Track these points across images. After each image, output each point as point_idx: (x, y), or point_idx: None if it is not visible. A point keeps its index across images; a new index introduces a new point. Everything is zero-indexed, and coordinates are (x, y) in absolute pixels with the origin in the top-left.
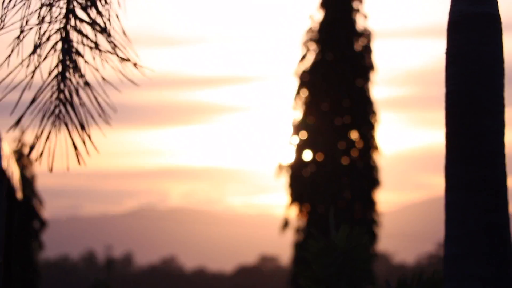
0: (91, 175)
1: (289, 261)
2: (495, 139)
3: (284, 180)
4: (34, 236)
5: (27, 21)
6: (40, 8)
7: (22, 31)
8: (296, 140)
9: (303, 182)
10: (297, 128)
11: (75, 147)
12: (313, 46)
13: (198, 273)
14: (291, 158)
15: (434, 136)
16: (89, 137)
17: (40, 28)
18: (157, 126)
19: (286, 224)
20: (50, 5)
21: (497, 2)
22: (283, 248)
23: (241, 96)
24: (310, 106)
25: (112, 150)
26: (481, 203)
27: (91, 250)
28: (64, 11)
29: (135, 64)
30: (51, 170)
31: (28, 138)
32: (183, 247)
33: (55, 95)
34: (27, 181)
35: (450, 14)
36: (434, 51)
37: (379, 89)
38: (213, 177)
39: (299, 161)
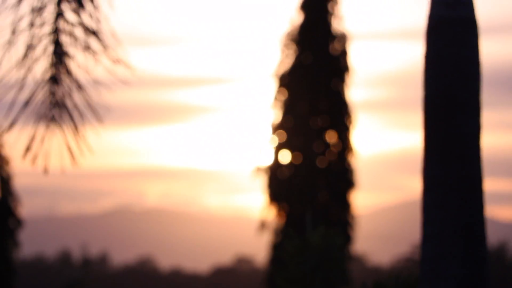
0: (68, 174)
1: (264, 262)
2: (472, 141)
3: (261, 181)
4: (10, 235)
5: (18, 25)
6: (31, 12)
7: (13, 35)
8: (274, 141)
9: (280, 184)
10: (275, 130)
11: (70, 149)
12: (291, 48)
13: (174, 273)
14: (269, 159)
15: (410, 138)
16: (83, 138)
17: (31, 31)
18: (134, 125)
19: (263, 225)
20: (40, 9)
21: (474, 6)
22: (258, 249)
23: (219, 97)
24: (288, 108)
25: (84, 155)
26: (457, 204)
27: (67, 250)
28: (53, 14)
29: (126, 65)
30: (46, 171)
31: (23, 139)
32: (159, 247)
33: (47, 98)
34: (4, 180)
35: (428, 18)
36: (411, 54)
37: (356, 91)
38: (190, 177)
39: (276, 162)
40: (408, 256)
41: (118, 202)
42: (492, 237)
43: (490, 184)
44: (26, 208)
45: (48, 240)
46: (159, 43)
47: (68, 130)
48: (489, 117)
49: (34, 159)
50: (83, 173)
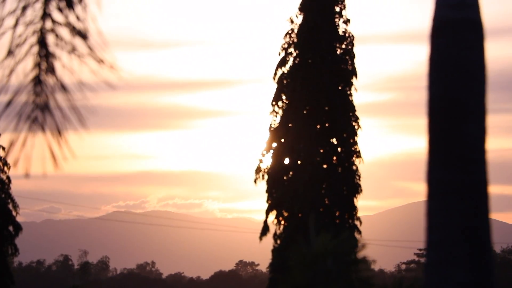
0: (68, 178)
1: (267, 266)
2: (477, 145)
3: (263, 185)
4: (8, 241)
5: (2, 24)
6: (15, 11)
7: None
8: (275, 144)
9: (282, 188)
10: (277, 133)
11: (52, 152)
12: (292, 50)
13: (175, 277)
14: (270, 163)
15: (414, 142)
16: (66, 142)
17: (15, 30)
18: (135, 130)
19: (265, 229)
20: (25, 8)
21: (480, 8)
22: (262, 253)
23: (223, 101)
24: (290, 111)
25: (89, 153)
26: (462, 208)
27: (66, 254)
28: (40, 13)
29: (111, 67)
30: (27, 175)
31: (3, 141)
32: (161, 251)
33: (31, 99)
34: (2, 185)
35: (433, 20)
36: (416, 57)
37: (360, 94)
38: (192, 181)
39: (278, 166)
40: (411, 259)
41: (119, 206)
42: (502, 239)
43: (498, 189)
44: (25, 213)
45: (48, 245)
46: (163, 46)
47: (51, 133)
48: (494, 121)
49: (15, 163)
50: (83, 177)
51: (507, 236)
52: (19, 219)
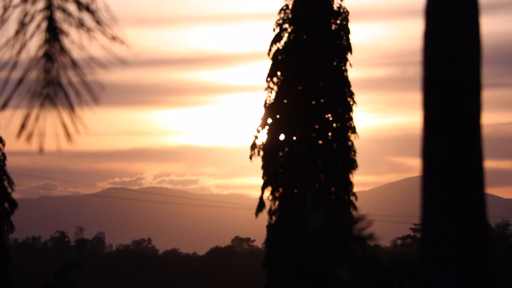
0: (63, 155)
1: (263, 242)
2: (472, 120)
3: (259, 161)
4: (4, 218)
5: (10, 1)
6: None
7: (5, 11)
8: (270, 120)
9: (277, 164)
10: (272, 109)
11: (65, 127)
12: (287, 26)
13: (171, 253)
14: (266, 139)
15: (410, 117)
16: (79, 117)
17: (24, 7)
18: (130, 106)
19: (261, 205)
20: None
21: None
22: (258, 229)
23: (220, 76)
24: (285, 87)
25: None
26: (458, 184)
27: (62, 231)
28: None
29: (122, 42)
30: (41, 150)
31: (17, 118)
32: (157, 227)
33: (42, 75)
34: None
35: None
36: (411, 32)
37: (355, 70)
38: (188, 157)
39: (273, 142)
40: (407, 234)
41: (114, 183)
42: (498, 214)
43: (492, 164)
44: (21, 190)
45: (44, 221)
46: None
47: (63, 108)
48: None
49: (28, 138)
50: (79, 153)
51: (503, 210)
52: (14, 195)
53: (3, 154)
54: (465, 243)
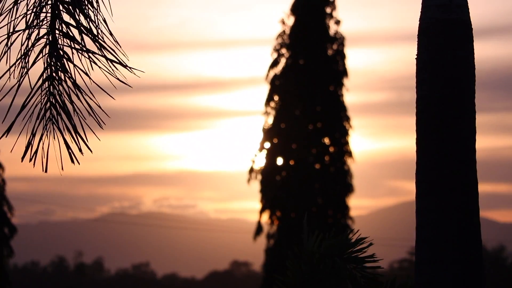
0: (62, 180)
1: (261, 267)
2: (466, 144)
3: (257, 185)
4: (4, 243)
5: (14, 27)
6: (27, 13)
7: (9, 37)
8: (268, 145)
9: (275, 188)
10: (269, 134)
11: (69, 149)
12: (284, 51)
13: (170, 277)
14: (263, 163)
15: (406, 141)
16: (83, 139)
17: (27, 33)
18: (129, 130)
19: (259, 229)
20: (36, 11)
21: (467, 9)
22: (256, 253)
23: (218, 101)
24: (282, 111)
25: (83, 154)
26: (452, 208)
27: (61, 256)
28: (50, 15)
29: (125, 66)
30: (45, 171)
31: (21, 142)
32: (155, 252)
33: (45, 99)
34: None
35: (421, 20)
36: (407, 57)
37: (352, 94)
38: (186, 182)
39: (271, 166)
40: (404, 258)
41: (113, 208)
42: (492, 237)
43: (488, 187)
44: (20, 215)
45: (43, 247)
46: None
47: (66, 131)
48: (482, 120)
49: (32, 161)
50: (78, 178)
51: (499, 234)
52: (14, 221)
53: (3, 180)
54: (458, 264)
